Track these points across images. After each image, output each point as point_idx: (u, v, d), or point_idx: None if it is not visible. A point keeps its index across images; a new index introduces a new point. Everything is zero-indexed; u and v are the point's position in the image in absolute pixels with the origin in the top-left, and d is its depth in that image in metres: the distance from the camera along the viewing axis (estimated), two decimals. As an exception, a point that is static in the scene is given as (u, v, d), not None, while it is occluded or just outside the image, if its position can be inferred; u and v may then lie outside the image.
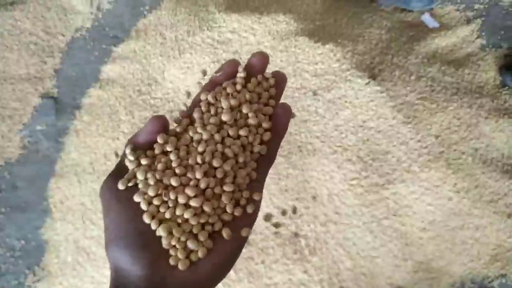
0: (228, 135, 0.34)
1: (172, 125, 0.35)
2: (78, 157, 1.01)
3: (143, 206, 0.30)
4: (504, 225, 0.90)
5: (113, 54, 1.12)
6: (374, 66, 0.95)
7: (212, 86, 0.37)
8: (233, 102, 0.36)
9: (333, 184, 0.87)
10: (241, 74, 0.37)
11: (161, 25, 1.11)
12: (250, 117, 0.35)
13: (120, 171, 0.33)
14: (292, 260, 0.86)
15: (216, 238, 0.31)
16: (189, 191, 0.31)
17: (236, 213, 0.31)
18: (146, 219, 0.30)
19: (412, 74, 0.96)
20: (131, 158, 0.32)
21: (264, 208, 0.88)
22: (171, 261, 0.29)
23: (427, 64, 1.00)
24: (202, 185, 0.31)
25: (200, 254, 0.30)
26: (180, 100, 0.98)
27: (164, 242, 0.29)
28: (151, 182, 0.31)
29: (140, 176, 0.31)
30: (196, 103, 0.37)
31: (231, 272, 0.86)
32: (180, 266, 0.29)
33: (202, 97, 0.36)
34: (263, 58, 0.38)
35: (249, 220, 0.32)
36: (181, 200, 0.31)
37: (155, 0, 1.16)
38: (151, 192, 0.31)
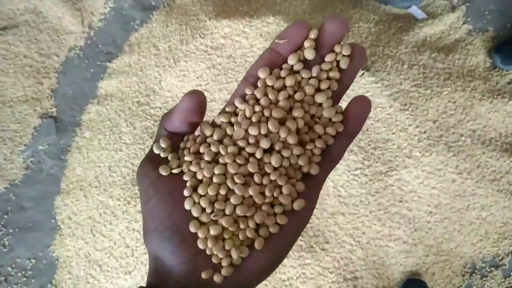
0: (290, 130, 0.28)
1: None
2: (82, 173, 1.01)
3: (193, 211, 0.28)
4: (509, 203, 0.91)
5: (108, 69, 1.13)
6: (367, 58, 0.97)
7: (271, 58, 0.30)
8: (308, 90, 0.29)
9: (337, 175, 0.89)
10: (311, 47, 0.29)
11: (153, 37, 1.12)
12: (325, 110, 0.29)
13: (155, 154, 0.30)
14: (304, 254, 0.87)
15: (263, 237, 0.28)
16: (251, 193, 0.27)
17: (280, 221, 0.28)
18: (192, 228, 0.27)
19: (404, 63, 0.98)
20: (163, 145, 0.29)
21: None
22: (214, 259, 0.27)
23: (418, 52, 1.02)
24: (254, 192, 0.27)
25: (243, 257, 0.27)
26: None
27: (208, 252, 0.27)
28: (203, 177, 0.28)
29: (193, 168, 0.28)
30: (251, 79, 0.30)
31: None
32: (224, 273, 0.26)
33: (261, 74, 0.29)
34: (343, 24, 0.29)
35: (299, 221, 0.28)
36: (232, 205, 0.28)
37: (145, 14, 1.18)
38: (204, 191, 0.28)
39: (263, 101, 0.29)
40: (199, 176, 0.28)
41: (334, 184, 0.89)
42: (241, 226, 0.27)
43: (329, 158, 0.29)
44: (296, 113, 0.28)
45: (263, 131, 0.28)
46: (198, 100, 0.28)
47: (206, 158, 0.28)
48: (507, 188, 0.91)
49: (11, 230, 1.00)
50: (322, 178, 0.29)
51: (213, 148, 0.28)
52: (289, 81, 0.29)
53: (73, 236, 0.96)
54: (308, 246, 0.87)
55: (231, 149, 0.28)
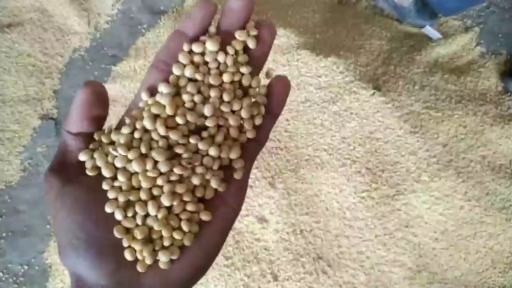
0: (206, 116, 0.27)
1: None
2: (80, 179, 0.99)
3: (117, 215, 0.25)
4: (517, 232, 0.89)
5: (112, 73, 1.11)
6: (378, 77, 0.95)
7: (175, 44, 0.28)
8: (226, 78, 0.27)
9: (343, 197, 0.86)
10: (212, 40, 0.27)
11: (160, 43, 1.10)
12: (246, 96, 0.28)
13: (62, 161, 0.27)
14: (305, 277, 0.84)
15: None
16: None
17: (204, 217, 0.26)
18: (117, 233, 0.25)
19: (416, 83, 0.96)
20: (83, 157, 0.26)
21: (273, 224, 0.87)
22: (139, 268, 0.25)
23: (430, 73, 1.00)
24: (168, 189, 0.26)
25: (173, 256, 0.25)
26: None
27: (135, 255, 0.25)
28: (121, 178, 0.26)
29: (106, 174, 0.26)
30: (160, 65, 0.28)
31: (243, 291, 0.84)
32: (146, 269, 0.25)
33: (177, 69, 0.27)
34: (246, 2, 0.27)
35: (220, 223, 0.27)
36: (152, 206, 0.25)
37: (153, 18, 1.16)
38: (124, 198, 0.25)
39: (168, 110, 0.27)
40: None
41: (340, 205, 0.86)
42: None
43: (257, 142, 0.29)
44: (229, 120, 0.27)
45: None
46: (94, 90, 0.26)
47: (109, 171, 0.26)
48: (515, 217, 0.89)
49: (4, 234, 0.97)
50: (250, 163, 0.28)
51: (121, 151, 0.26)
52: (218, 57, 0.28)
53: (68, 244, 0.94)
54: (309, 269, 0.84)
55: (135, 153, 0.26)
